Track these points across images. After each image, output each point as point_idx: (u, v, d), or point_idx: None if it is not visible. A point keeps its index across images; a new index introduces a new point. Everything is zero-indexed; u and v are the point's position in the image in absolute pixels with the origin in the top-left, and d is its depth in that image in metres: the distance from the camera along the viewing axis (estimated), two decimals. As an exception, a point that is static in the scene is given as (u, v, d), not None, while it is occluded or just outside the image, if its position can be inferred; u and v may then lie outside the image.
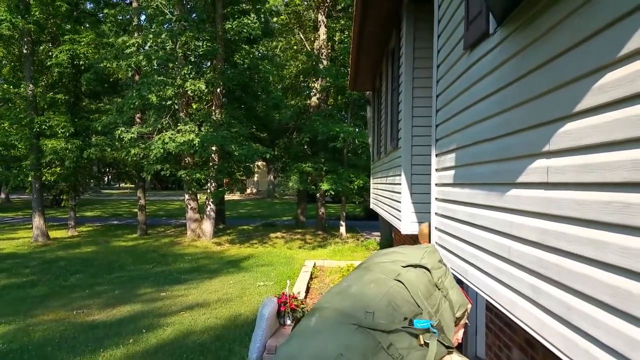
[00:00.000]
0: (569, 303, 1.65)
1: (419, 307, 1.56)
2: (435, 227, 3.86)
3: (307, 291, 8.16)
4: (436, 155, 3.85)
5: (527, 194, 2.04)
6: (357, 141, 17.01)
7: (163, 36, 13.78)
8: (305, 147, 18.80)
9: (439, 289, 1.69)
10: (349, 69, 10.91)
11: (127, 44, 13.92)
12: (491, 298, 2.50)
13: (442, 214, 3.65)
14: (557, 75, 1.79)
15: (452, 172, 3.29)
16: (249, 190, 43.29)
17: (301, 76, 21.03)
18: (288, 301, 6.07)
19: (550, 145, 1.83)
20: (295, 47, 21.62)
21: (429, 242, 4.09)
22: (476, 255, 2.76)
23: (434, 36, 3.97)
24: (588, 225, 1.55)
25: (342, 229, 17.45)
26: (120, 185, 54.51)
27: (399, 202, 6.04)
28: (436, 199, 3.86)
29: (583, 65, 1.61)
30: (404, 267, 1.66)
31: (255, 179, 42.40)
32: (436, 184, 3.85)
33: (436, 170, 3.85)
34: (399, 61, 6.42)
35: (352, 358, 1.34)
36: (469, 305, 1.92)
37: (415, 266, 1.67)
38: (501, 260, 2.32)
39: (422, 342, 1.50)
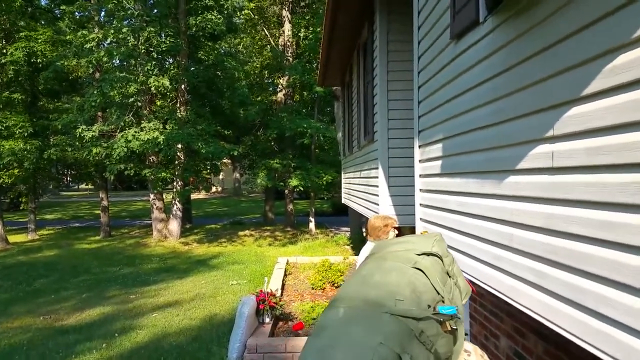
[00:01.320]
0: (582, 286, 1.65)
1: (439, 294, 1.53)
2: (420, 218, 3.86)
3: (283, 288, 8.08)
4: (419, 146, 3.85)
5: (529, 179, 2.04)
6: (322, 137, 16.96)
7: (124, 31, 13.37)
8: (272, 143, 18.64)
9: (450, 277, 1.66)
10: (319, 64, 10.87)
11: (87, 39, 13.46)
12: (489, 286, 2.50)
13: (428, 205, 3.65)
14: (560, 60, 1.79)
15: (439, 162, 3.29)
16: (214, 189, 42.73)
17: (266, 72, 20.84)
18: (267, 299, 5.98)
19: (555, 130, 1.83)
20: (260, 42, 21.40)
21: (378, 235, 4.01)
22: (470, 244, 2.77)
23: (414, 27, 3.96)
24: (602, 208, 1.54)
25: (312, 225, 17.42)
26: (80, 187, 52.83)
27: (377, 195, 6.04)
28: (421, 190, 3.86)
29: (590, 48, 1.60)
30: (418, 255, 1.63)
31: (221, 177, 41.88)
32: (420, 175, 3.85)
33: (420, 161, 3.85)
34: (372, 55, 6.41)
35: (391, 346, 1.30)
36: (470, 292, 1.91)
37: (427, 254, 1.64)
38: (501, 247, 2.33)
39: (449, 329, 1.47)
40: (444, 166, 3.21)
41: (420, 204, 3.86)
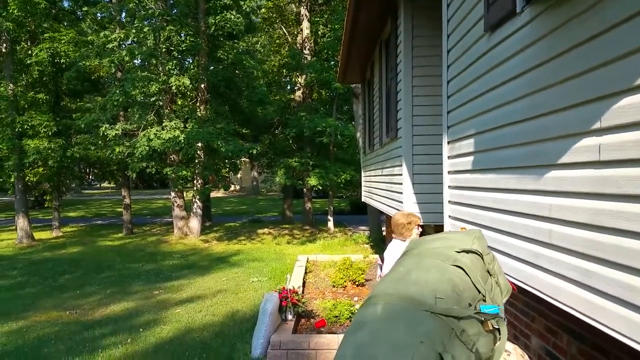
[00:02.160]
0: (634, 285, 1.58)
1: (480, 292, 1.48)
2: (449, 216, 3.80)
3: (304, 286, 8.07)
4: (448, 142, 3.78)
5: (572, 174, 1.97)
6: (339, 135, 16.87)
7: (145, 30, 13.48)
8: (291, 142, 18.65)
9: (490, 275, 1.61)
10: (339, 62, 10.81)
11: (109, 39, 13.62)
12: (526, 284, 2.44)
13: (458, 202, 3.59)
14: (610, 49, 1.72)
15: (471, 158, 3.22)
16: (232, 187, 42.99)
17: (284, 70, 20.85)
18: (289, 296, 5.97)
19: (602, 122, 1.77)
20: (277, 40, 21.41)
21: (402, 232, 3.97)
22: (504, 242, 2.70)
23: (443, 21, 3.89)
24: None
25: (330, 224, 17.38)
26: (101, 185, 53.71)
27: (400, 192, 5.98)
28: (449, 186, 3.79)
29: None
30: (458, 252, 1.58)
31: (239, 175, 42.11)
32: (449, 172, 3.79)
33: (449, 157, 3.78)
34: (395, 51, 6.35)
35: (432, 345, 1.25)
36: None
37: (467, 251, 1.59)
38: (539, 244, 2.26)
39: (490, 328, 1.42)
40: (475, 162, 3.14)
41: (449, 201, 3.80)
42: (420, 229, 4.08)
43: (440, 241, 1.71)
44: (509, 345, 1.74)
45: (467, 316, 1.38)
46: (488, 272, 1.65)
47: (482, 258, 1.65)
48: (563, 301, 2.06)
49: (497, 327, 1.47)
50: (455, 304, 1.41)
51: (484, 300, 1.52)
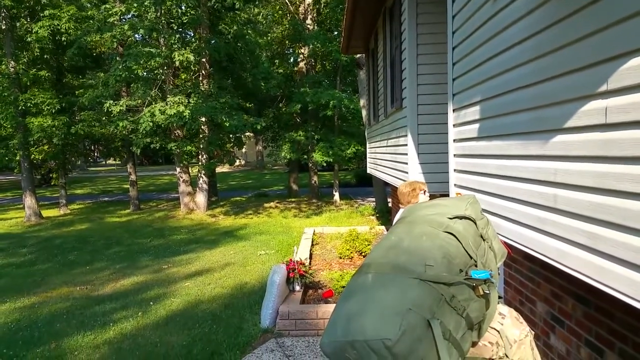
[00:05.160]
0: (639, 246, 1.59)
1: (472, 258, 1.49)
2: (455, 184, 3.80)
3: (311, 257, 8.15)
4: (454, 110, 3.75)
5: (578, 138, 1.96)
6: (343, 107, 16.75)
7: (146, 3, 13.30)
8: (295, 115, 18.56)
9: (484, 240, 1.61)
10: (342, 31, 10.66)
11: (110, 12, 13.46)
12: (532, 250, 2.45)
13: (463, 170, 3.58)
14: (618, 10, 1.68)
15: (477, 125, 3.20)
16: (237, 162, 43.00)
17: (287, 42, 20.59)
18: (296, 267, 6.04)
19: (609, 85, 1.74)
20: (280, 11, 21.08)
21: (409, 200, 4.03)
22: (510, 208, 2.71)
23: (448, -14, 3.81)
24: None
25: (336, 196, 17.44)
26: (107, 162, 53.99)
27: (405, 163, 5.97)
28: (455, 155, 3.78)
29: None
30: (450, 218, 1.58)
31: (244, 150, 42.08)
32: (455, 140, 3.77)
33: (454, 125, 3.76)
34: (399, 19, 6.24)
35: (420, 312, 1.28)
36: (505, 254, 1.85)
37: (460, 217, 1.59)
38: (544, 209, 2.26)
39: (481, 293, 1.44)
40: (481, 129, 3.12)
41: (455, 170, 3.79)
42: (429, 196, 4.10)
43: (433, 208, 1.71)
44: (504, 309, 1.76)
45: (456, 282, 1.40)
46: (481, 236, 1.65)
47: (475, 223, 1.65)
48: (569, 265, 2.07)
49: (488, 292, 1.49)
50: (446, 270, 1.41)
51: (476, 266, 1.53)
